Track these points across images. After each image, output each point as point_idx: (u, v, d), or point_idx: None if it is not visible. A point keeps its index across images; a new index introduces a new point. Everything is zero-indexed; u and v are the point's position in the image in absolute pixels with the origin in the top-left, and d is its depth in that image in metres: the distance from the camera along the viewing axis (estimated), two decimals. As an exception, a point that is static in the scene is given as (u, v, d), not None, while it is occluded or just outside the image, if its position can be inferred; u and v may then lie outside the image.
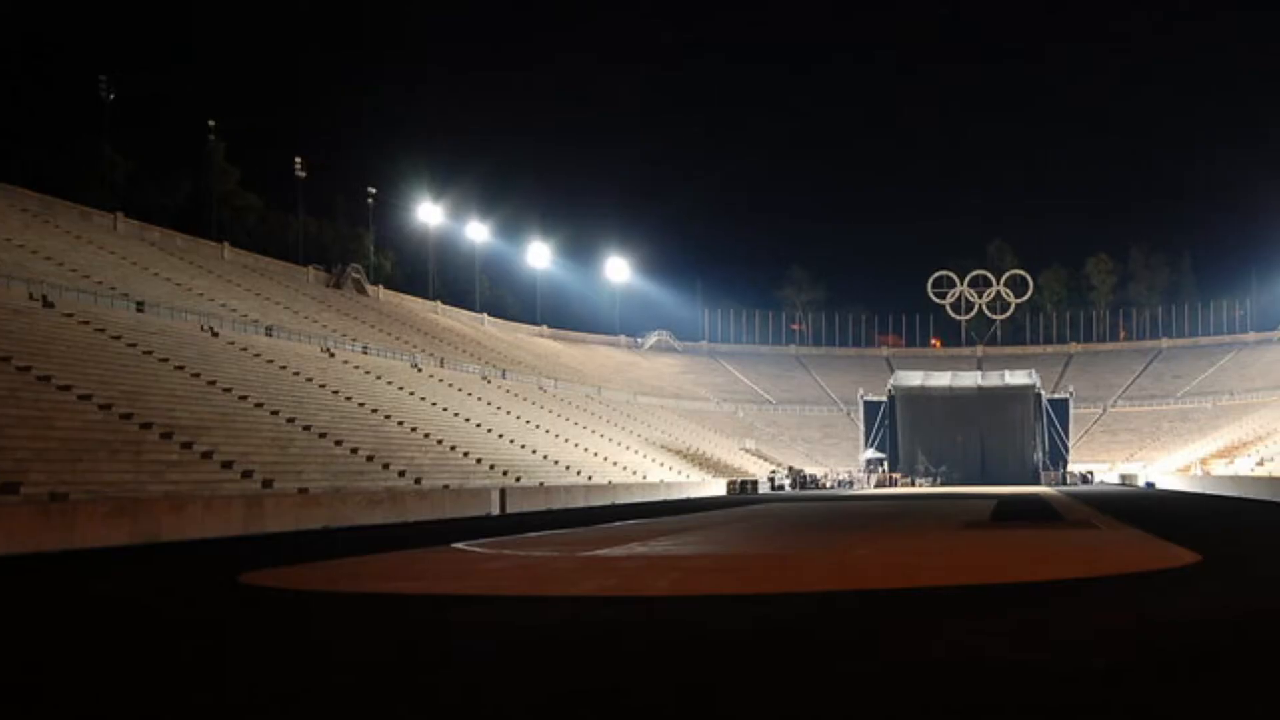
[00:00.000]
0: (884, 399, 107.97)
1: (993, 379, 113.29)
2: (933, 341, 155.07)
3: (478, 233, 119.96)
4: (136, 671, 10.77)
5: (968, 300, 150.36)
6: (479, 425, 66.50)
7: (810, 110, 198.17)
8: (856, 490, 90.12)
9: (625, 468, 74.44)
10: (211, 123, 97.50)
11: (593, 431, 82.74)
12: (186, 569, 22.65)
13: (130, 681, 10.22)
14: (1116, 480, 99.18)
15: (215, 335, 59.23)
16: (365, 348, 73.74)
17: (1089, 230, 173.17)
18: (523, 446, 66.49)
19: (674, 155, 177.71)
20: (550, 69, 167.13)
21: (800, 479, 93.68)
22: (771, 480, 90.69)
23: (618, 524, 36.12)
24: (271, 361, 58.71)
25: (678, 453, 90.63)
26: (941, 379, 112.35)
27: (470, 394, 75.12)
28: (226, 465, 38.68)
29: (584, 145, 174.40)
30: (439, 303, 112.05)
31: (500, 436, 66.35)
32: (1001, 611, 14.17)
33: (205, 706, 9.09)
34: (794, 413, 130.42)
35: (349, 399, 57.89)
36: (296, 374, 58.39)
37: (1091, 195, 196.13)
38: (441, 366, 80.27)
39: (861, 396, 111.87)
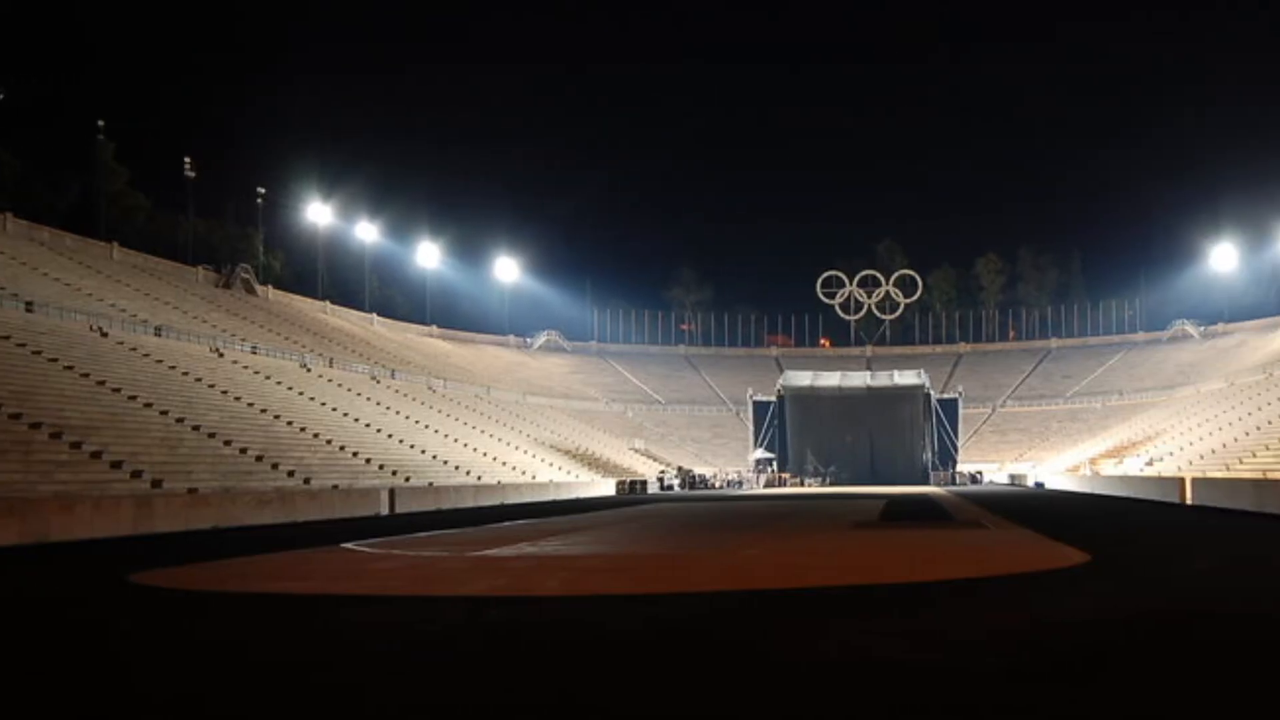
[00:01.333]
0: (773, 399, 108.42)
1: (882, 379, 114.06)
2: (822, 341, 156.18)
3: (367, 232, 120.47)
4: (24, 673, 10.65)
5: (857, 300, 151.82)
6: (368, 425, 66.67)
7: (699, 111, 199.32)
8: (746, 490, 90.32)
9: (514, 468, 74.65)
10: (100, 123, 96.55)
11: (482, 431, 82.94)
12: (76, 569, 22.43)
13: (17, 683, 10.09)
14: (1006, 480, 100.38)
15: (104, 335, 59.00)
16: (255, 348, 73.85)
17: (978, 230, 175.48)
18: (412, 446, 66.71)
19: (563, 155, 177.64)
20: (439, 69, 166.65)
21: (689, 479, 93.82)
22: (661, 480, 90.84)
23: (507, 524, 36.16)
24: (161, 361, 58.59)
25: (567, 453, 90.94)
26: (831, 379, 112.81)
27: (359, 394, 75.25)
28: (116, 465, 38.60)
29: (473, 145, 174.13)
30: (328, 303, 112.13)
31: (389, 436, 66.53)
32: (893, 612, 14.36)
33: (95, 708, 9.03)
34: (683, 413, 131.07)
35: (238, 399, 57.82)
36: (186, 374, 58.28)
37: (981, 195, 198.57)
38: (331, 366, 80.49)
39: (751, 396, 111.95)
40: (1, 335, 49.04)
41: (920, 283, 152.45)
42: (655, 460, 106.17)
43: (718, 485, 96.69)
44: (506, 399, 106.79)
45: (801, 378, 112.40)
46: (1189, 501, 45.51)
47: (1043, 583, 17.30)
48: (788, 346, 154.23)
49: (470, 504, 54.58)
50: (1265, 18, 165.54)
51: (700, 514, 43.10)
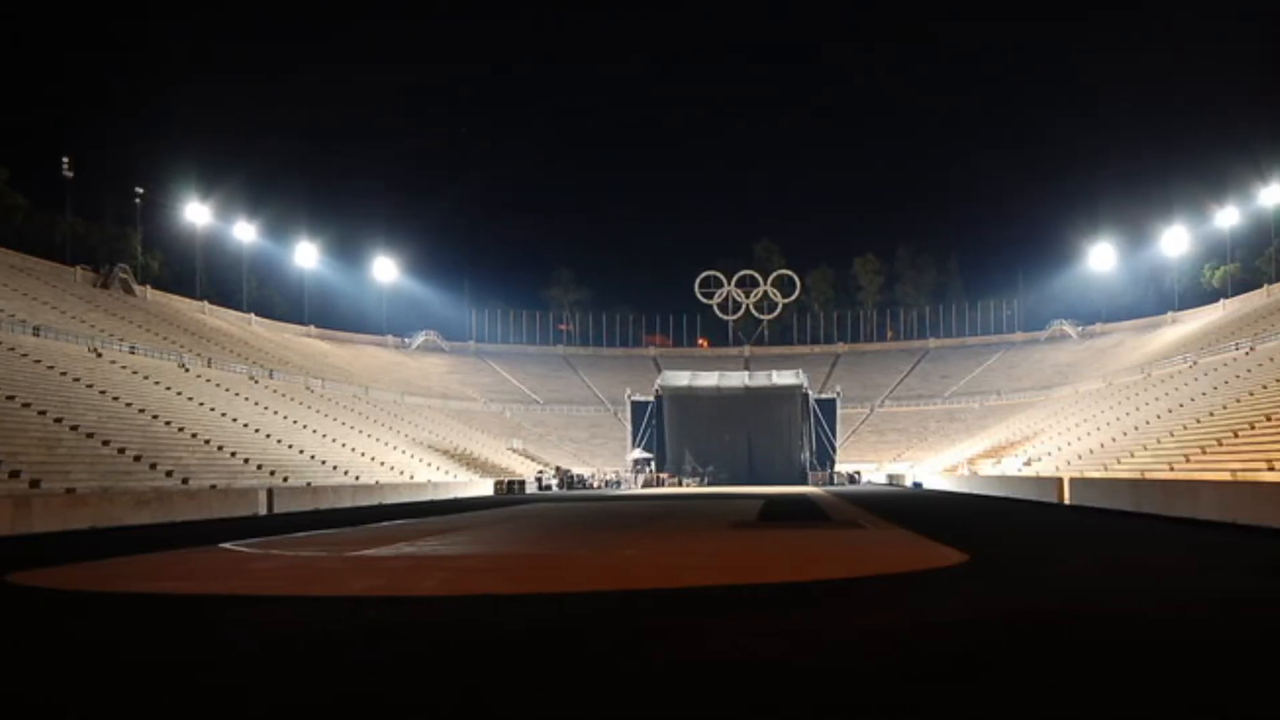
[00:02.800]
0: (651, 399, 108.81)
1: (760, 379, 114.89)
2: (700, 341, 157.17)
3: (245, 232, 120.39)
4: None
5: (735, 300, 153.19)
6: (246, 425, 66.92)
7: (576, 111, 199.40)
8: (624, 490, 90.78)
9: (393, 468, 75.00)
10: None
11: (360, 432, 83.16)
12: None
13: None
14: (884, 480, 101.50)
15: (-19, 335, 58.51)
16: (133, 348, 73.93)
17: (856, 230, 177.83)
18: (290, 446, 66.96)
19: (441, 155, 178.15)
20: (315, 70, 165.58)
21: (568, 479, 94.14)
22: (539, 480, 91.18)
23: (385, 524, 36.27)
24: (39, 361, 58.68)
25: (445, 453, 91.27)
26: (709, 379, 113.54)
27: (238, 394, 75.54)
28: (-7, 465, 38.64)
29: (351, 145, 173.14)
30: (206, 303, 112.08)
31: (268, 436, 66.80)
32: (772, 612, 14.39)
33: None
34: (561, 413, 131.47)
35: (117, 399, 58.05)
36: (64, 374, 58.46)
37: (859, 196, 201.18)
38: (209, 366, 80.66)
39: (629, 396, 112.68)
40: (-123, 336, 48.62)
41: (798, 283, 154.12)
42: (533, 460, 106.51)
43: (596, 485, 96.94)
44: (385, 399, 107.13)
45: (679, 378, 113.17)
46: (1067, 501, 46.20)
47: (921, 583, 17.43)
48: (666, 346, 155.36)
49: (348, 504, 55.18)
50: (1141, 19, 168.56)
51: (578, 514, 43.16)
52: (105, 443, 48.45)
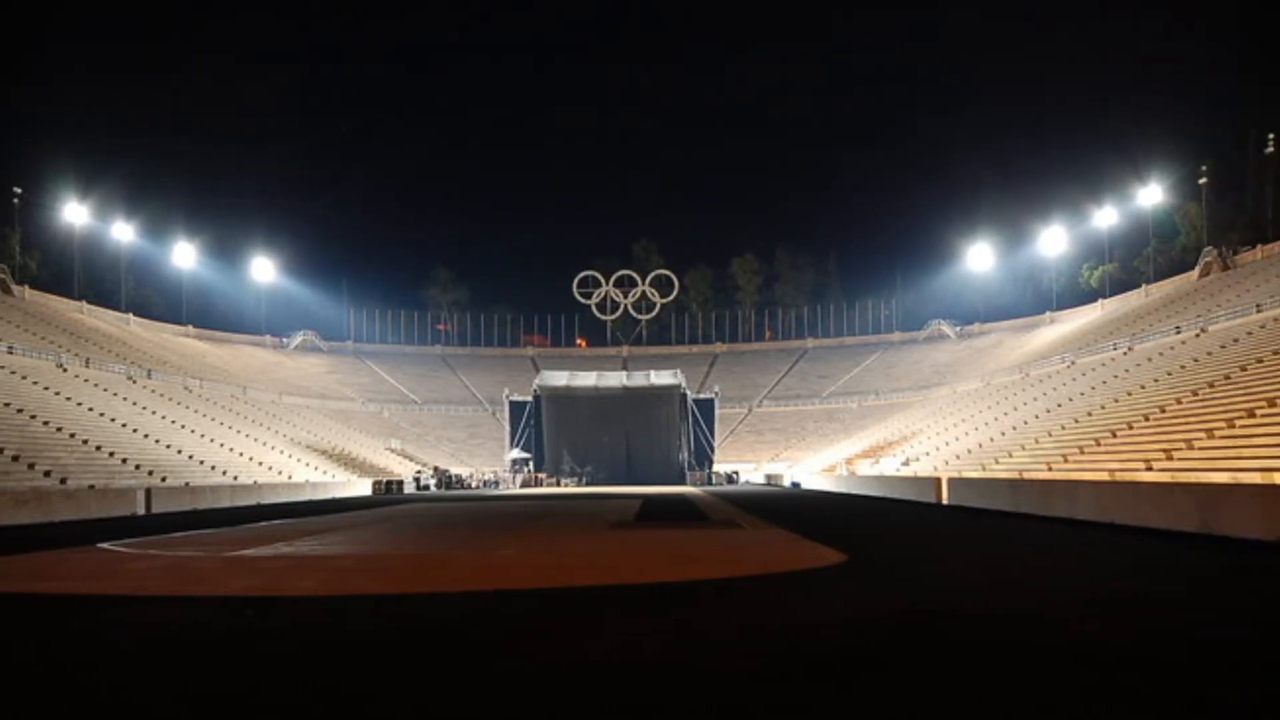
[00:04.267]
0: (530, 399, 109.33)
1: (638, 379, 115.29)
2: (578, 341, 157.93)
3: (124, 232, 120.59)
4: None
5: (613, 300, 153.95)
6: (125, 425, 67.42)
7: (454, 110, 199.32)
8: (502, 490, 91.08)
9: (271, 468, 75.19)
10: None
11: (238, 432, 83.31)
12: None
13: None
14: (762, 480, 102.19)
15: None
16: (10, 348, 73.95)
17: (735, 230, 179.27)
18: (169, 446, 67.27)
19: (320, 155, 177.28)
20: (194, 69, 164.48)
21: (446, 479, 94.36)
22: (417, 480, 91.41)
23: (264, 524, 36.16)
24: (-86, 362, 58.33)
25: (324, 453, 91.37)
26: (587, 379, 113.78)
27: (116, 394, 75.88)
28: None
29: (229, 145, 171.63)
30: (84, 303, 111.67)
31: (146, 436, 67.24)
32: (652, 611, 14.33)
33: None
34: (440, 413, 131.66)
35: (-6, 399, 58.09)
36: (-60, 374, 58.34)
37: (738, 195, 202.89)
38: (87, 366, 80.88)
39: (507, 396, 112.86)
40: None
41: (677, 283, 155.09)
42: (412, 460, 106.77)
43: (474, 485, 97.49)
44: (263, 399, 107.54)
45: (558, 378, 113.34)
46: (945, 501, 46.51)
47: (800, 583, 17.41)
48: (544, 346, 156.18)
49: (227, 504, 55.13)
50: (1018, 20, 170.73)
51: (456, 514, 43.09)
52: (-18, 443, 48.49)
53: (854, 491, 65.20)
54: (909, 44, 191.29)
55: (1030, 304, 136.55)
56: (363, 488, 79.95)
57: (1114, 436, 53.28)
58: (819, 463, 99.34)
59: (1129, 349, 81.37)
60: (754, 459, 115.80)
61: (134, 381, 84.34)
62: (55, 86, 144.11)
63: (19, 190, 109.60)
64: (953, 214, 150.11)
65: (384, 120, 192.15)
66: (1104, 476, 43.54)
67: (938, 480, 48.93)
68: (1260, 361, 53.30)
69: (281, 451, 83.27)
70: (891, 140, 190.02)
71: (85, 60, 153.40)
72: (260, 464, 74.79)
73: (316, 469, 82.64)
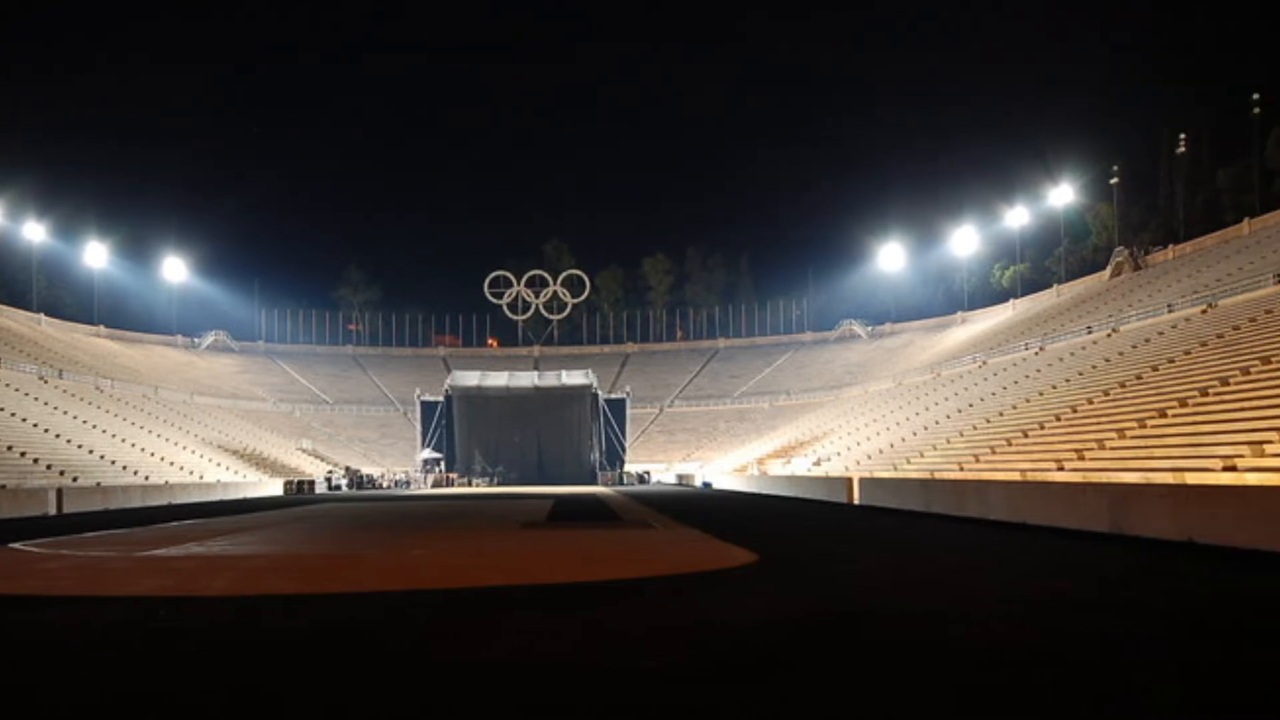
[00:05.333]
0: (441, 399, 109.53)
1: (550, 379, 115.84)
2: (490, 342, 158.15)
3: (35, 232, 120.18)
4: None
5: (525, 300, 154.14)
6: (36, 425, 67.61)
7: (365, 110, 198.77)
8: (414, 490, 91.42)
9: (183, 468, 75.33)
10: None
11: (150, 432, 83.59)
12: None
13: None
14: (673, 480, 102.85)
15: None
16: None
17: (646, 230, 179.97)
18: (80, 446, 67.48)
19: (231, 155, 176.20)
20: (106, 68, 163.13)
21: (357, 479, 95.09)
22: (328, 480, 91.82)
23: (175, 524, 35.99)
24: None
25: (235, 453, 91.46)
26: (499, 379, 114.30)
27: (27, 394, 76.11)
28: None
29: (141, 144, 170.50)
30: None
31: (57, 437, 67.46)
32: (562, 611, 14.33)
33: None
34: (351, 413, 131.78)
35: (-98, 399, 58.26)
36: None
37: (649, 195, 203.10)
38: None
39: (418, 396, 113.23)
40: None
41: (588, 283, 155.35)
42: (323, 460, 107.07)
43: (385, 485, 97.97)
44: (174, 399, 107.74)
45: (469, 378, 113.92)
46: (857, 501, 46.80)
47: (711, 583, 17.45)
48: (456, 346, 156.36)
49: (138, 504, 55.14)
50: (930, 20, 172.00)
51: (367, 514, 43.17)
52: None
53: (765, 491, 65.56)
54: (821, 44, 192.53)
55: (942, 304, 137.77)
56: (274, 488, 79.97)
57: (1025, 436, 53.63)
58: (731, 463, 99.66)
59: (1040, 349, 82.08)
60: (665, 459, 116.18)
61: (45, 381, 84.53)
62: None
63: None
64: (865, 214, 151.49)
65: (295, 120, 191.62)
66: (1016, 476, 43.84)
67: (849, 480, 49.14)
68: (1172, 361, 53.85)
69: (193, 452, 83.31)
70: (803, 140, 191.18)
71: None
72: (172, 464, 74.80)
73: (228, 469, 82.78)
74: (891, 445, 71.23)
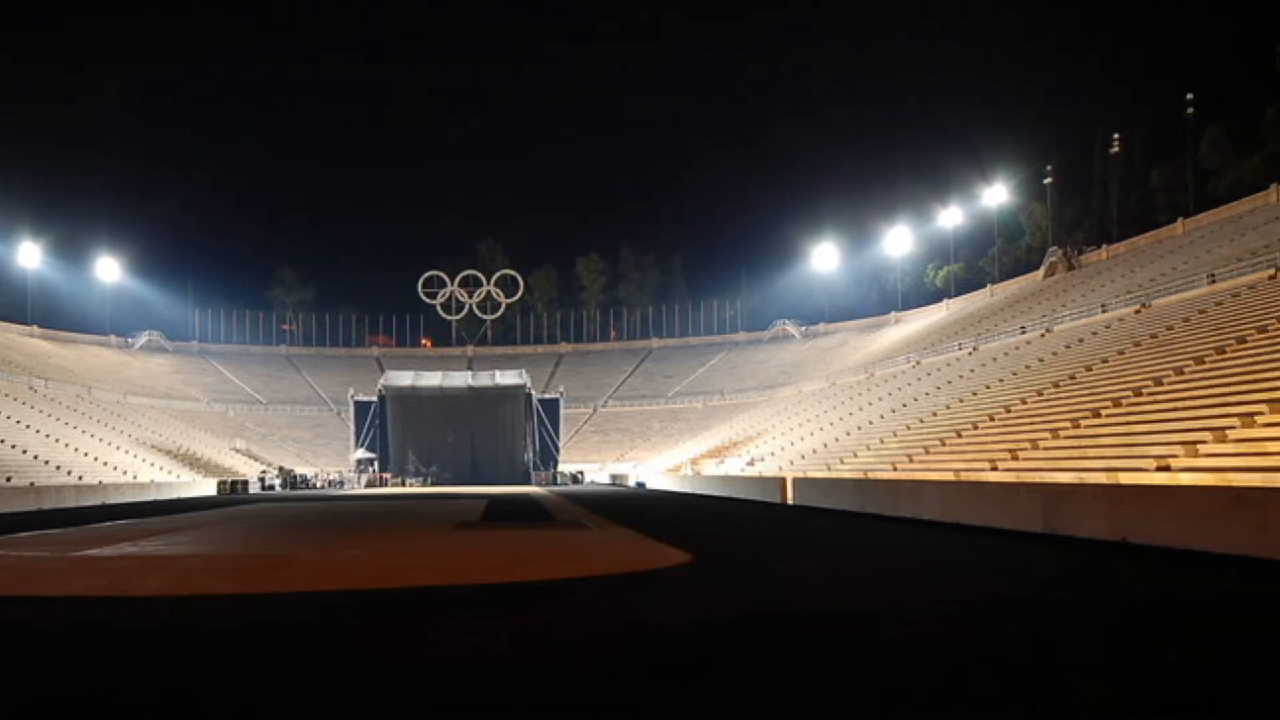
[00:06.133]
0: (374, 399, 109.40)
1: (483, 379, 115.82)
2: (424, 341, 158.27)
3: None
4: None
5: (458, 300, 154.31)
6: None
7: (299, 110, 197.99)
8: (348, 490, 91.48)
9: (116, 468, 75.24)
10: None
11: (84, 432, 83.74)
12: None
13: None
14: (607, 480, 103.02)
15: None
16: None
17: (580, 230, 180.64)
18: (13, 446, 67.67)
19: (165, 155, 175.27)
20: (38, 68, 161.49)
21: (291, 479, 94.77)
22: (262, 480, 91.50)
23: (109, 524, 35.78)
24: None
25: (169, 453, 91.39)
26: (432, 379, 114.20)
27: None
28: None
29: (74, 145, 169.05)
30: None
31: None
32: (496, 611, 14.30)
33: None
34: (285, 413, 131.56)
35: None
36: None
37: (582, 196, 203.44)
38: None
39: (352, 396, 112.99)
40: None
41: (521, 283, 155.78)
42: (257, 460, 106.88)
43: (319, 485, 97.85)
44: (108, 399, 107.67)
45: (403, 378, 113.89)
46: (790, 501, 46.88)
47: (645, 583, 17.47)
48: (389, 346, 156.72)
49: (72, 504, 55.07)
50: (864, 20, 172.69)
51: (301, 514, 43.15)
52: None
53: (699, 491, 65.65)
54: (755, 44, 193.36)
55: (876, 304, 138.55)
56: (208, 488, 79.66)
57: (959, 436, 53.85)
58: (664, 463, 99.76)
59: (974, 349, 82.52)
60: (599, 459, 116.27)
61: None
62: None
63: None
64: (798, 214, 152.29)
65: (228, 119, 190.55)
66: (949, 477, 43.94)
67: (783, 480, 49.18)
68: (1105, 361, 54.18)
69: (127, 452, 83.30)
70: (737, 140, 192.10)
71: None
72: (106, 464, 74.81)
73: (162, 469, 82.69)
74: (825, 445, 71.37)
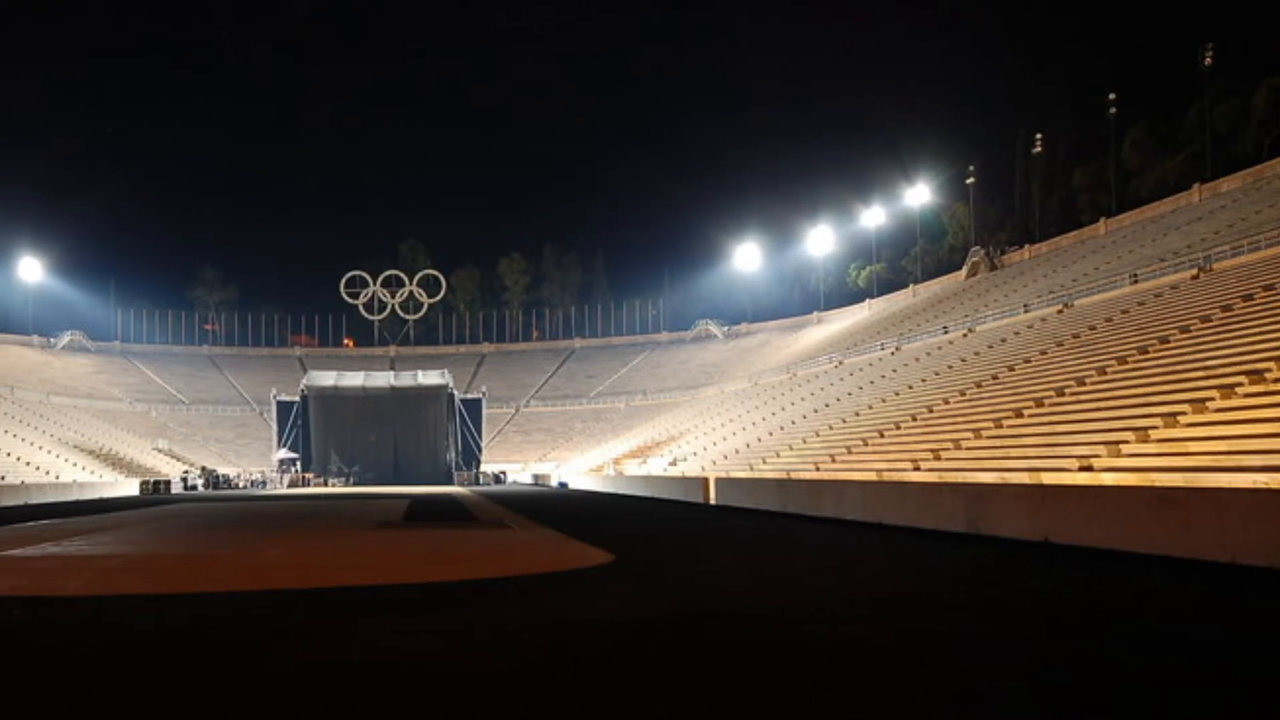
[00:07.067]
0: (297, 399, 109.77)
1: (406, 379, 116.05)
2: (346, 341, 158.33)
3: None
4: None
5: (381, 300, 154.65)
6: None
7: (220, 110, 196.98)
8: (270, 490, 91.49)
9: (39, 468, 75.62)
10: None
11: (5, 432, 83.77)
12: None
13: None
14: (530, 480, 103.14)
15: None
16: None
17: (502, 230, 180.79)
18: None
19: (86, 155, 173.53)
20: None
21: (213, 479, 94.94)
22: (185, 480, 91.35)
23: (30, 524, 35.73)
24: None
25: (91, 453, 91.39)
26: (355, 379, 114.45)
27: None
28: None
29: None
30: None
31: None
32: (418, 611, 14.37)
33: None
34: (207, 413, 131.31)
35: None
36: None
37: (504, 195, 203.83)
38: None
39: (274, 396, 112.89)
40: None
41: (444, 283, 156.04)
42: (179, 460, 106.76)
43: (241, 485, 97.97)
44: (30, 399, 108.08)
45: (325, 378, 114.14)
46: (713, 501, 46.89)
47: (567, 583, 17.46)
48: (312, 346, 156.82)
49: None
50: (787, 20, 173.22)
51: (223, 514, 43.07)
52: None
53: (621, 492, 65.62)
54: (678, 44, 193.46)
55: (798, 304, 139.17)
56: (130, 488, 79.36)
57: (882, 437, 54.02)
58: (587, 463, 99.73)
59: (897, 349, 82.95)
60: (522, 459, 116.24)
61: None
62: None
63: None
64: (721, 214, 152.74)
65: (151, 119, 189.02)
66: (872, 477, 44.10)
67: (705, 480, 49.16)
68: (1028, 361, 54.55)
69: (49, 452, 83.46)
70: (659, 140, 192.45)
71: None
72: (28, 464, 75.03)
73: (84, 469, 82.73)
74: (748, 445, 71.52)
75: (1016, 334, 65.12)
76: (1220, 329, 43.38)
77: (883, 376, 72.97)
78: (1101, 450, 34.98)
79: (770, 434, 72.02)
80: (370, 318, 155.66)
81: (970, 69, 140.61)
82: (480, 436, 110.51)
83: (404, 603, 15.30)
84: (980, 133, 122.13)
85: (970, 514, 25.23)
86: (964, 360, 64.02)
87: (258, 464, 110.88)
